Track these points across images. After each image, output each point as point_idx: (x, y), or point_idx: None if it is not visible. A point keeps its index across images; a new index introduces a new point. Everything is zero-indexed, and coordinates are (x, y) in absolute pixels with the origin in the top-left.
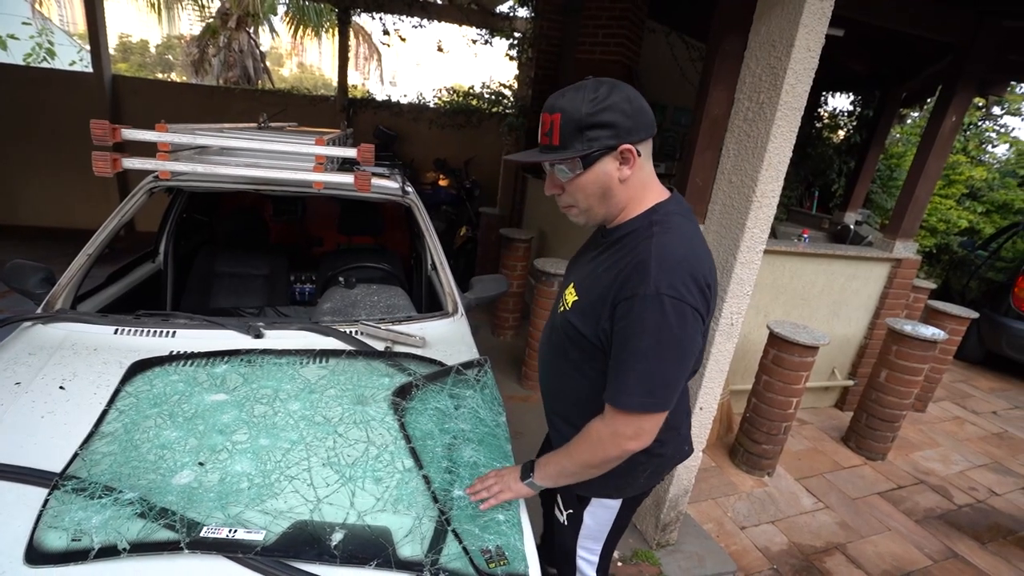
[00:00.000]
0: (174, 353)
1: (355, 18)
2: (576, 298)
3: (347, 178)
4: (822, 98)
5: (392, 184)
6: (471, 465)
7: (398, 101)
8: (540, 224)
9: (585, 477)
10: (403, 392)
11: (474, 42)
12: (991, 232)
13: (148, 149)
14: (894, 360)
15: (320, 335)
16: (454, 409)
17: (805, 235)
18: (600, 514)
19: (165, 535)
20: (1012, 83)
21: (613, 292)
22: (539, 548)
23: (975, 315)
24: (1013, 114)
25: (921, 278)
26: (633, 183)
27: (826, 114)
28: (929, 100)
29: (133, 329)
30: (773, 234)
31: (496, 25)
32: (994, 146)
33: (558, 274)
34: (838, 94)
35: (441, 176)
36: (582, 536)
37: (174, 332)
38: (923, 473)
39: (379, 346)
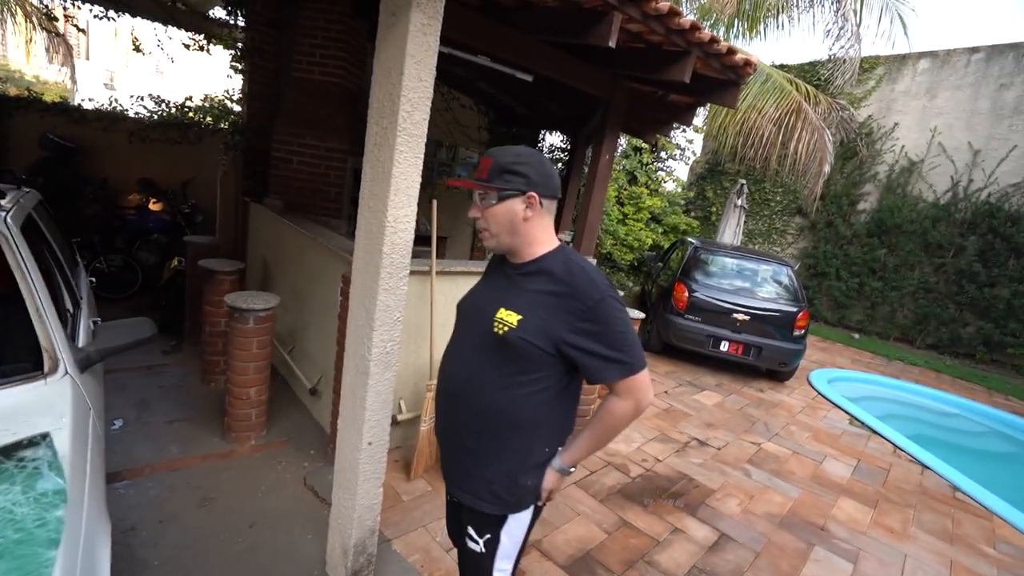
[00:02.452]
0: None
1: None
2: (521, 317)
3: None
4: (541, 134)
5: None
6: None
7: (79, 105)
8: (263, 252)
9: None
10: None
11: (187, 47)
12: (667, 247)
13: None
14: None
15: None
16: None
17: None
18: (515, 529)
19: None
20: (658, 134)
21: (573, 307)
22: None
23: (643, 316)
24: (673, 158)
25: (631, 286)
26: (534, 225)
27: (546, 148)
28: None
29: None
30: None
31: (212, 31)
32: (665, 182)
33: (253, 309)
34: (555, 132)
35: (152, 199)
36: (498, 557)
37: None
38: (610, 455)
39: None
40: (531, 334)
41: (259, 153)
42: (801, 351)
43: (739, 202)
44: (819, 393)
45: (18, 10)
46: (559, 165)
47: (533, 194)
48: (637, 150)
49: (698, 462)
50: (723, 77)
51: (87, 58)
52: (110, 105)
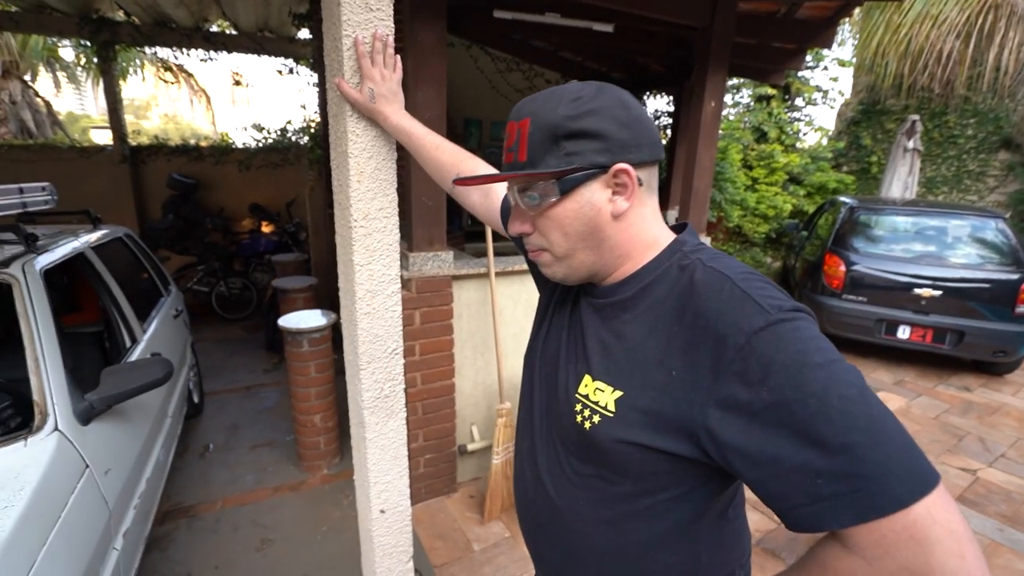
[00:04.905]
0: None
1: (138, 54)
2: (620, 394)
3: None
4: (643, 99)
5: None
6: None
7: (197, 144)
8: None
9: None
10: None
11: (280, 73)
12: (812, 212)
13: None
14: None
15: None
16: None
17: None
18: None
19: None
20: (790, 73)
21: (712, 355)
22: None
23: None
24: (812, 103)
25: (770, 262)
26: (633, 220)
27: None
28: None
29: None
30: None
31: (299, 52)
32: (804, 135)
33: (305, 330)
34: (660, 95)
35: (263, 222)
36: None
37: None
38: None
39: None
40: (642, 429)
41: None
42: None
43: (910, 144)
44: None
45: (147, 64)
46: (666, 132)
47: (624, 165)
48: (763, 99)
49: None
50: None
51: (249, 105)
52: (220, 140)
